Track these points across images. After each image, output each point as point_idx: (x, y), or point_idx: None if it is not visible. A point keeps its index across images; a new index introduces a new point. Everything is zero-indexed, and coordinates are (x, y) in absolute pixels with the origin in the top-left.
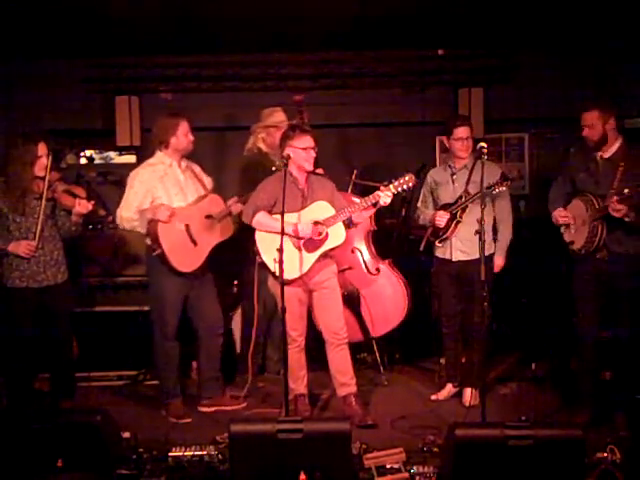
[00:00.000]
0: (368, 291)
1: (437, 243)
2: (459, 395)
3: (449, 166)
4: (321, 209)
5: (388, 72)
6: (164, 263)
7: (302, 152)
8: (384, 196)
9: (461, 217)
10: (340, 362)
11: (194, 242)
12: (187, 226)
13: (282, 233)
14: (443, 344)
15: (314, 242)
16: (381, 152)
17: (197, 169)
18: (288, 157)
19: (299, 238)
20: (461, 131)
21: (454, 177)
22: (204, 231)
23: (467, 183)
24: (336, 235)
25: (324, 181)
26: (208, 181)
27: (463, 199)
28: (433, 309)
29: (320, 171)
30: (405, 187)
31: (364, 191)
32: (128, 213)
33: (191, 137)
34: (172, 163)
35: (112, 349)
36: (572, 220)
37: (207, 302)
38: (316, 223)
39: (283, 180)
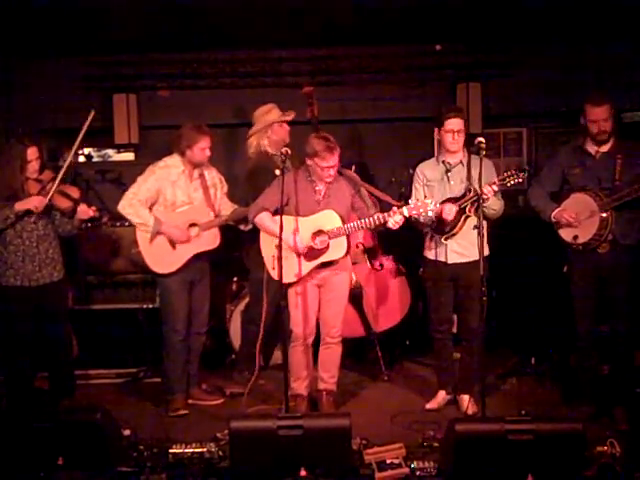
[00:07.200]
0: (371, 286)
1: (442, 240)
2: (454, 402)
3: (443, 162)
4: (328, 219)
5: (386, 68)
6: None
7: (322, 170)
8: (393, 221)
9: (470, 212)
10: (326, 359)
11: (173, 246)
12: None
13: (280, 236)
14: (436, 350)
15: (314, 251)
16: (379, 147)
17: (209, 179)
18: (287, 153)
19: (294, 250)
20: (452, 123)
21: (449, 174)
22: None
23: (468, 179)
24: (337, 247)
25: (344, 187)
26: (220, 188)
27: (472, 192)
28: (419, 311)
29: (348, 171)
30: (422, 213)
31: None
32: (132, 201)
33: (208, 152)
34: (185, 171)
35: (112, 347)
36: (576, 218)
37: (198, 301)
38: (319, 232)
39: (281, 180)
